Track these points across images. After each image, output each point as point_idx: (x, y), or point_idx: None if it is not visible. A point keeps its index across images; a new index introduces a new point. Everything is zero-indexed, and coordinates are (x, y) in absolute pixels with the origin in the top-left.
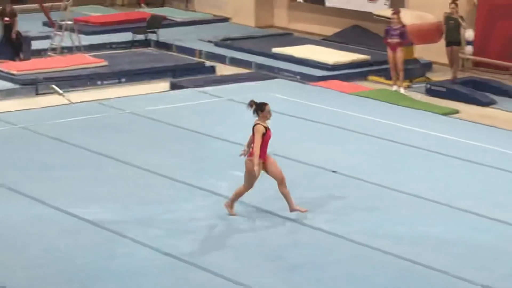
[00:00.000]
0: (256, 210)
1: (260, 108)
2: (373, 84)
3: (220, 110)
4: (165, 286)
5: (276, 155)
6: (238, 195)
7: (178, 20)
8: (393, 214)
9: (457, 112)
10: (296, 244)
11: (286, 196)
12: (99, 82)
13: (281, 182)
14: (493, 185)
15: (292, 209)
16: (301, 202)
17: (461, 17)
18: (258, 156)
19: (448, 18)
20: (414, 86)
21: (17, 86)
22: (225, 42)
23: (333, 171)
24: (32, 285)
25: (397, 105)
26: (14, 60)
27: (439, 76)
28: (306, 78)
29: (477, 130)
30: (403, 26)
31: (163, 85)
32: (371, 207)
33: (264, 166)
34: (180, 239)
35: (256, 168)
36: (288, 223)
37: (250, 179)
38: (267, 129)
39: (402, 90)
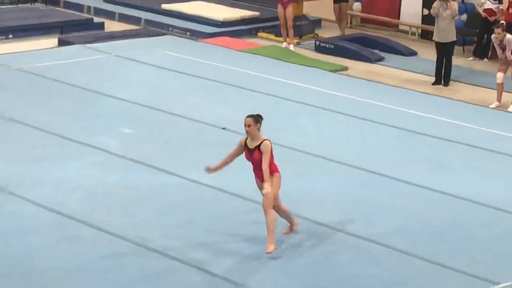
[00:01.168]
0: (149, 168)
1: None
2: (263, 40)
3: (109, 67)
4: (53, 243)
5: (164, 112)
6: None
7: None
8: (280, 170)
9: (346, 69)
10: (185, 201)
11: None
12: None
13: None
14: (380, 141)
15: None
16: (191, 158)
17: None
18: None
19: None
20: (303, 43)
21: None
22: None
23: (223, 128)
24: None
25: (287, 61)
26: None
27: (328, 32)
28: (196, 35)
29: (365, 86)
30: None
31: (51, 41)
32: None
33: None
34: (68, 197)
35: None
36: (179, 180)
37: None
38: (244, 145)
39: (291, 47)
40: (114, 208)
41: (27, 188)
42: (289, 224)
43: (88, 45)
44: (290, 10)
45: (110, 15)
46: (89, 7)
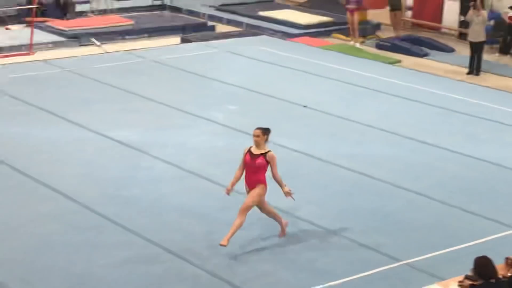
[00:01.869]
0: (248, 135)
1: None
2: (336, 40)
3: (219, 59)
4: (176, 190)
5: (259, 93)
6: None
7: None
8: (348, 139)
9: (399, 61)
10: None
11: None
12: (127, 37)
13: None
14: (425, 117)
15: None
16: (276, 129)
17: None
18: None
19: None
20: (367, 42)
21: (65, 39)
22: (222, 7)
23: (304, 106)
24: (78, 189)
25: (354, 56)
26: (62, 19)
27: (386, 34)
28: (284, 35)
29: (414, 75)
30: None
31: (175, 39)
32: (332, 133)
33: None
34: (188, 156)
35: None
36: (271, 145)
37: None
38: (247, 152)
39: (357, 45)
40: (222, 166)
41: (157, 149)
42: (280, 226)
43: (203, 42)
44: (356, 16)
45: (220, 20)
46: (204, 13)
